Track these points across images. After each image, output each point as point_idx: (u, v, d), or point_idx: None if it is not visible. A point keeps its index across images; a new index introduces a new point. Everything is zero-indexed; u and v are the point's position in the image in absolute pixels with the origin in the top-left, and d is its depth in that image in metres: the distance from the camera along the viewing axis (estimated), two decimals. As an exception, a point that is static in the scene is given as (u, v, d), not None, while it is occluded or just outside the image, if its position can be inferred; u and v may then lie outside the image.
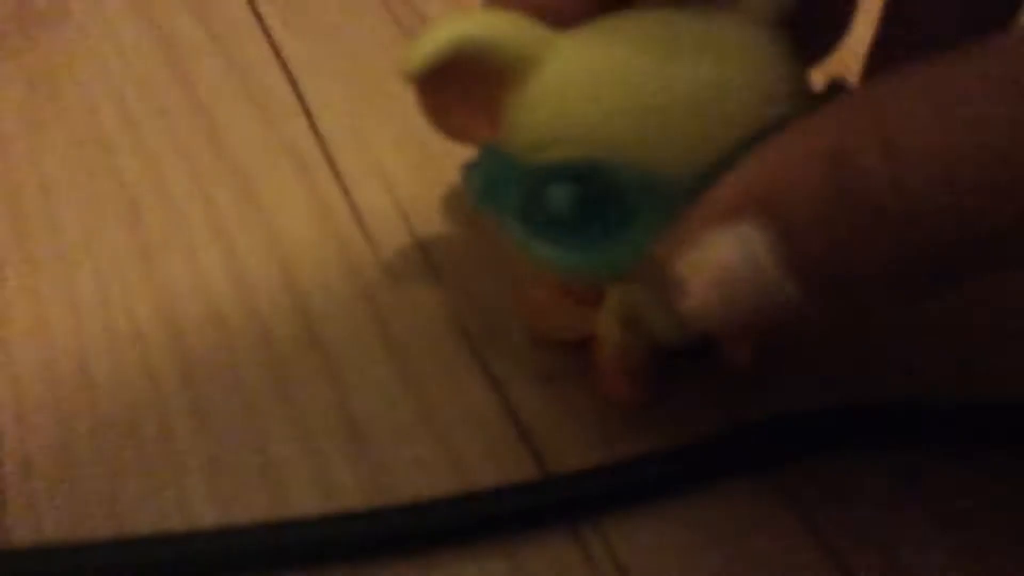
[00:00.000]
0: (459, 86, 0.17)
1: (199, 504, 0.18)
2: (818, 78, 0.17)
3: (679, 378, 0.20)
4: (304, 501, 0.18)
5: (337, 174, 0.24)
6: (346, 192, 0.23)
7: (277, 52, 0.27)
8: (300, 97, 0.26)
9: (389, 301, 0.21)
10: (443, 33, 0.16)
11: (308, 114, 0.25)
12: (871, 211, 0.12)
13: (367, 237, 0.22)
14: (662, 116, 0.15)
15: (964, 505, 0.18)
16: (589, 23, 0.16)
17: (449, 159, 0.24)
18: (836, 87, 0.17)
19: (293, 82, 0.26)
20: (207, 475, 0.18)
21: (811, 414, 0.19)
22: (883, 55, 0.19)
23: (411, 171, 0.24)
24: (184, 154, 0.24)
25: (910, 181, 0.12)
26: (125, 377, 0.20)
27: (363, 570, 0.17)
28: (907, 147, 0.12)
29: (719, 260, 0.13)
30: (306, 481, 0.18)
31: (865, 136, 0.12)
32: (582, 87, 0.15)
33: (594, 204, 0.16)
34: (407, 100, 0.26)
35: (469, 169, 0.18)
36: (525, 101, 0.16)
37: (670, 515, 0.18)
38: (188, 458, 0.18)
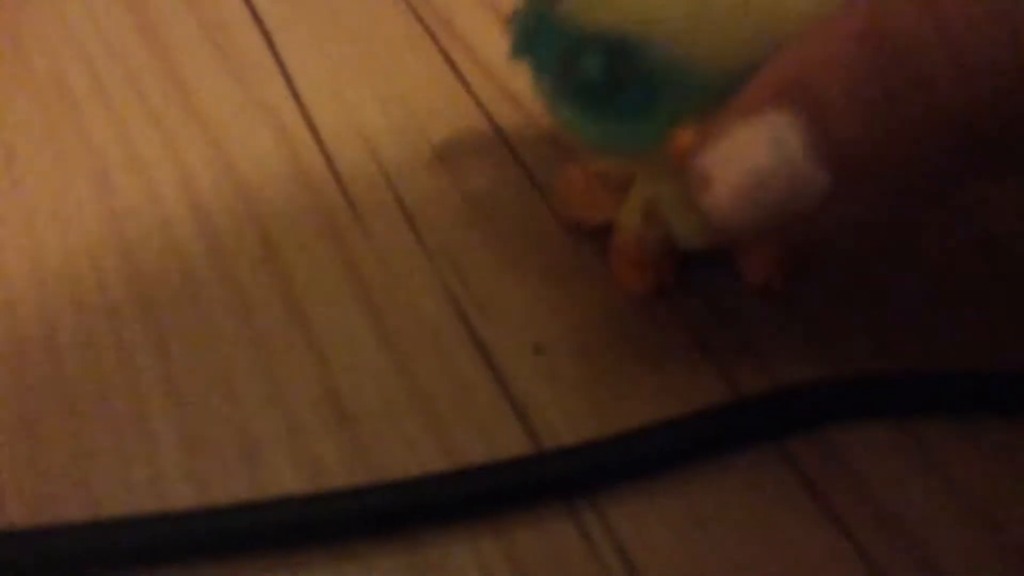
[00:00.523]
0: None
1: (175, 484, 0.17)
2: None
3: (676, 349, 0.19)
4: (287, 481, 0.17)
5: (317, 138, 0.23)
6: (327, 156, 0.22)
7: (252, 10, 0.26)
8: (277, 57, 0.25)
9: (374, 270, 0.20)
10: None
11: (286, 75, 0.24)
12: (913, 74, 0.11)
13: (350, 203, 0.21)
14: (709, 6, 0.15)
15: (967, 472, 0.17)
16: None
17: (432, 119, 0.23)
18: None
19: (270, 42, 0.25)
20: (183, 454, 0.17)
21: (811, 384, 0.18)
22: None
23: (394, 133, 0.23)
24: (155, 118, 0.23)
25: (954, 29, 0.11)
26: (94, 348, 0.19)
27: (350, 551, 0.16)
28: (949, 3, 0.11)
29: (745, 151, 0.13)
30: (289, 460, 0.17)
31: (902, 2, 0.12)
32: None
33: (623, 78, 0.16)
34: (388, 59, 0.25)
35: (514, 17, 0.18)
36: None
37: (669, 490, 0.17)
38: (162, 436, 0.18)
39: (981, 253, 0.21)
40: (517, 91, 0.23)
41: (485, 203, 0.22)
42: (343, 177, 0.22)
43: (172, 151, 0.23)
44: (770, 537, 0.17)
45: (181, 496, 0.17)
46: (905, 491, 0.17)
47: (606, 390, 0.18)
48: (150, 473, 0.17)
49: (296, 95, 0.24)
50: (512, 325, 0.19)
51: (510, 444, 0.18)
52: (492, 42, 0.25)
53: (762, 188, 0.13)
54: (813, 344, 0.19)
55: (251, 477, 0.17)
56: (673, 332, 0.19)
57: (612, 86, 0.16)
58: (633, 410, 0.18)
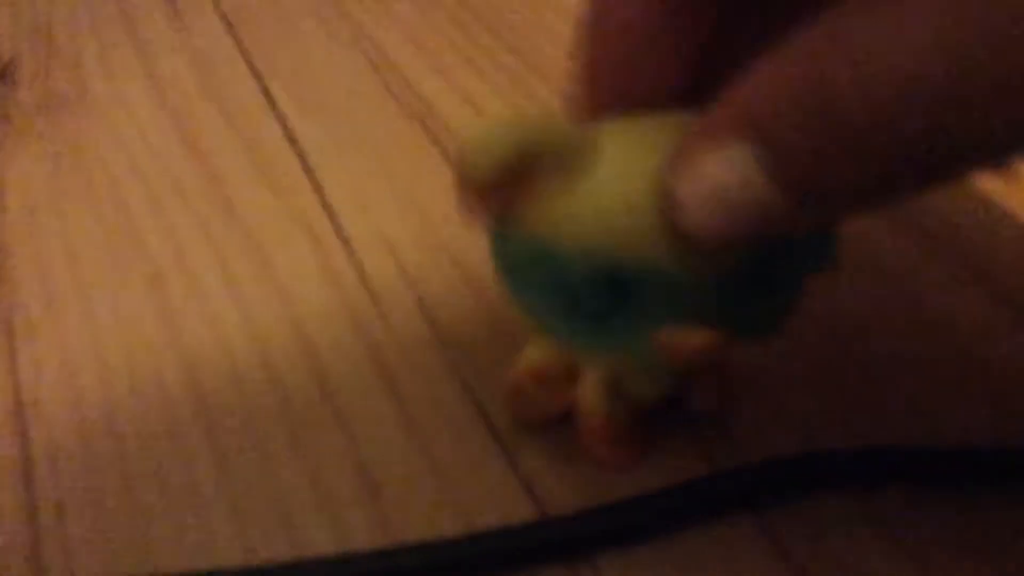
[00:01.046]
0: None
1: (224, 547, 0.19)
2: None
3: (670, 433, 0.21)
4: (320, 544, 0.19)
5: (345, 242, 0.26)
6: (354, 259, 0.25)
7: (287, 130, 0.29)
8: (309, 172, 0.28)
9: (397, 361, 0.23)
10: (505, 138, 0.17)
11: (317, 188, 0.27)
12: (846, 125, 0.13)
13: (374, 300, 0.24)
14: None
15: (934, 544, 0.19)
16: (627, 121, 0.18)
17: (448, 227, 0.26)
18: None
19: (303, 159, 0.28)
20: (231, 521, 0.20)
21: (792, 459, 0.20)
22: None
23: (414, 239, 0.26)
24: (201, 226, 0.26)
25: (877, 96, 0.13)
26: (151, 431, 0.21)
27: (376, 606, 0.18)
28: (873, 70, 0.13)
29: (714, 178, 0.15)
30: (321, 526, 0.20)
31: (836, 61, 0.13)
32: (625, 201, 0.17)
33: (622, 304, 0.17)
34: (408, 174, 0.28)
35: (497, 242, 0.18)
36: (570, 204, 0.17)
37: (661, 554, 0.19)
38: (213, 506, 0.20)
39: (934, 335, 0.23)
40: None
41: (495, 302, 0.24)
42: (369, 278, 0.25)
43: (218, 257, 0.25)
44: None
45: (230, 558, 0.19)
46: (875, 560, 0.19)
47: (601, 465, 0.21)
48: (202, 538, 0.19)
49: (327, 206, 0.27)
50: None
51: (518, 511, 0.20)
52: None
53: (727, 211, 0.15)
54: (781, 424, 0.21)
55: (289, 540, 0.19)
56: (659, 413, 0.22)
57: (612, 311, 0.17)
58: (625, 482, 0.20)
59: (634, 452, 0.21)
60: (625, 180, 0.17)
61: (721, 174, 0.15)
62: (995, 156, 0.14)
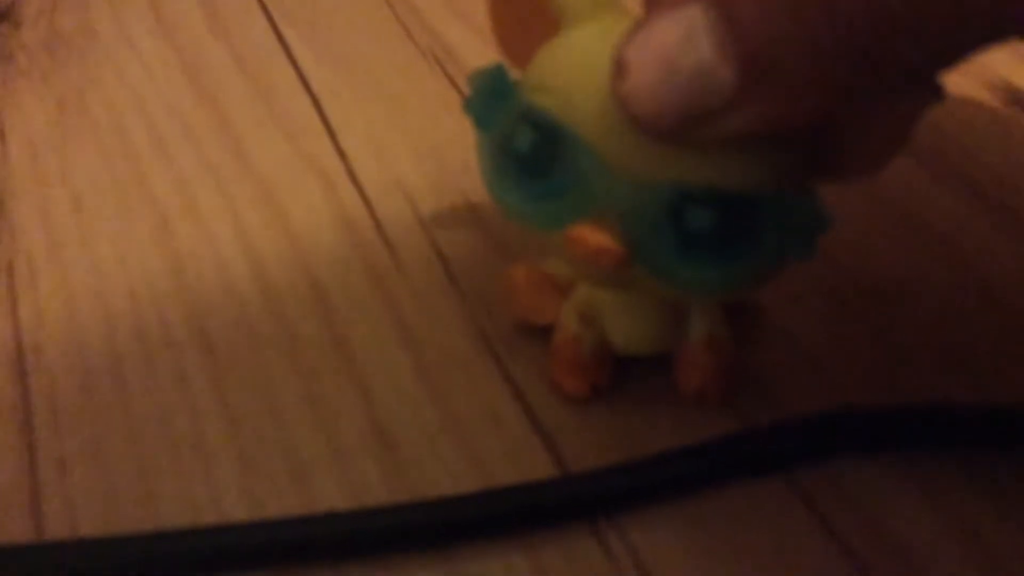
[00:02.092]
0: (522, 14, 0.19)
1: (232, 502, 0.18)
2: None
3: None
4: (333, 499, 0.18)
5: (360, 189, 0.25)
6: (369, 207, 0.24)
7: (300, 74, 0.28)
8: (323, 117, 0.27)
9: (412, 310, 0.22)
10: None
11: (331, 133, 0.26)
12: (807, 6, 0.12)
13: (390, 249, 0.23)
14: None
15: (973, 505, 0.18)
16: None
17: (467, 175, 0.25)
18: None
19: (316, 103, 0.27)
20: (239, 475, 0.19)
21: (822, 416, 0.19)
22: None
23: (431, 186, 0.25)
24: (210, 171, 0.25)
25: None
26: (156, 381, 0.20)
27: (389, 563, 0.18)
28: None
29: (660, 39, 0.14)
30: (335, 481, 0.19)
31: None
32: (585, 62, 0.16)
33: (546, 158, 0.17)
34: (425, 118, 0.27)
35: (474, 74, 0.19)
36: (550, 46, 0.17)
37: (689, 513, 0.18)
38: (220, 459, 0.19)
39: (978, 293, 0.22)
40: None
41: (512, 249, 0.23)
42: (384, 225, 0.24)
43: (227, 202, 0.24)
44: (779, 561, 0.18)
45: (237, 513, 0.18)
46: (909, 522, 0.18)
47: (625, 420, 0.20)
48: (208, 492, 0.19)
49: (341, 151, 0.26)
50: (540, 359, 0.21)
51: (537, 468, 0.19)
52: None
53: (672, 78, 0.14)
54: (817, 382, 0.20)
55: (301, 495, 0.18)
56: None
57: (535, 162, 0.17)
58: (656, 440, 0.19)
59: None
60: (593, 40, 0.17)
61: (668, 36, 0.14)
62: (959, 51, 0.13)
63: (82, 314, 0.22)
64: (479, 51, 0.29)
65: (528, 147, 0.17)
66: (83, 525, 0.18)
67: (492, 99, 0.18)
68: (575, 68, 0.17)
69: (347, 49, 0.29)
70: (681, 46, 0.14)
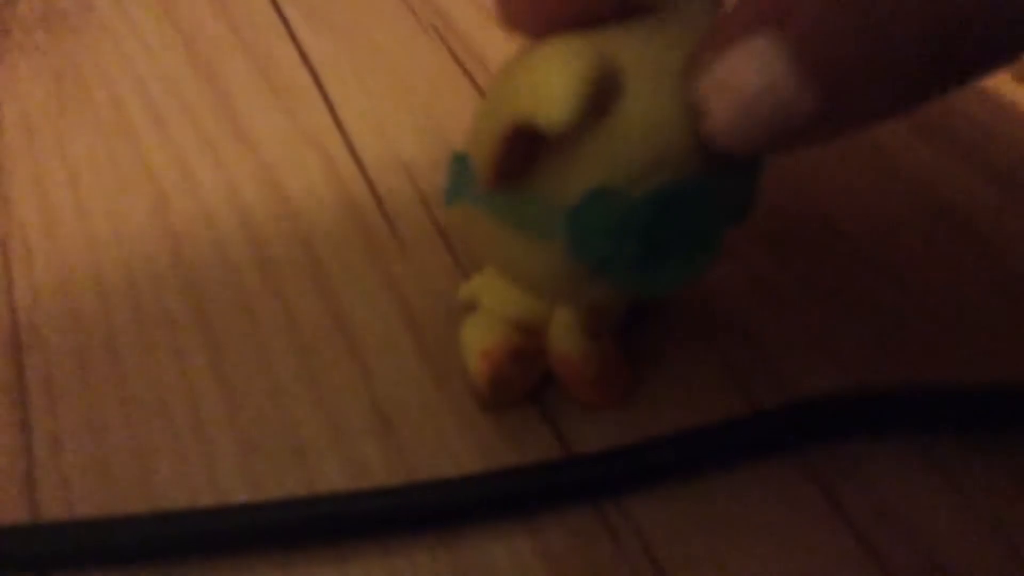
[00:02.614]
0: None
1: (231, 483, 0.18)
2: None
3: (699, 364, 0.20)
4: (334, 480, 0.18)
5: (360, 165, 0.24)
6: (369, 182, 0.24)
7: (299, 48, 0.28)
8: (322, 91, 0.26)
9: (412, 287, 0.21)
10: (576, 82, 0.14)
11: (330, 107, 0.26)
12: (882, 18, 0.12)
13: (390, 225, 0.23)
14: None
15: (981, 486, 0.18)
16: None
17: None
18: None
19: (315, 76, 0.27)
20: (238, 455, 0.18)
21: (829, 397, 0.19)
22: None
23: (432, 161, 0.24)
24: (209, 145, 0.25)
25: None
26: (154, 360, 0.20)
27: (391, 546, 0.17)
28: None
29: (738, 78, 0.13)
30: (335, 461, 0.18)
31: None
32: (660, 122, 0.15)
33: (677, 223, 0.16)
34: (426, 92, 0.26)
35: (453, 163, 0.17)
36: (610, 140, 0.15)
37: (695, 493, 0.18)
38: (218, 439, 0.19)
39: (993, 271, 0.22)
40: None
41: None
42: (384, 201, 0.23)
43: (225, 176, 0.24)
44: (788, 541, 0.17)
45: (236, 493, 0.18)
46: (921, 499, 0.18)
47: (630, 401, 0.19)
48: (206, 472, 0.18)
49: (340, 126, 0.25)
50: (543, 339, 0.20)
51: (540, 448, 0.19)
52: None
53: (754, 112, 0.13)
54: (828, 362, 0.20)
55: (301, 476, 0.18)
56: (693, 347, 0.20)
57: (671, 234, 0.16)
58: (660, 421, 0.19)
59: (619, 388, 0.19)
60: (655, 101, 0.15)
61: (745, 72, 0.13)
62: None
63: (78, 291, 0.21)
64: (481, 24, 0.28)
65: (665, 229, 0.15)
66: (79, 505, 0.18)
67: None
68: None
69: (347, 22, 0.29)
70: (758, 84, 0.13)
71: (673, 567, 0.17)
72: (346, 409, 0.19)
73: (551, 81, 0.14)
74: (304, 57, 0.27)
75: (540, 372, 0.19)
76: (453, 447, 0.19)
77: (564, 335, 0.18)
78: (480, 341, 0.18)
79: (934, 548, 0.17)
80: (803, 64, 0.13)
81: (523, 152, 0.15)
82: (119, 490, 0.18)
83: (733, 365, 0.20)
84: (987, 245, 0.22)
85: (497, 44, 0.27)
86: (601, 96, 0.14)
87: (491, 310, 0.19)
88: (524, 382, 0.19)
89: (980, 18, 0.12)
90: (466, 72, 0.27)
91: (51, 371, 0.20)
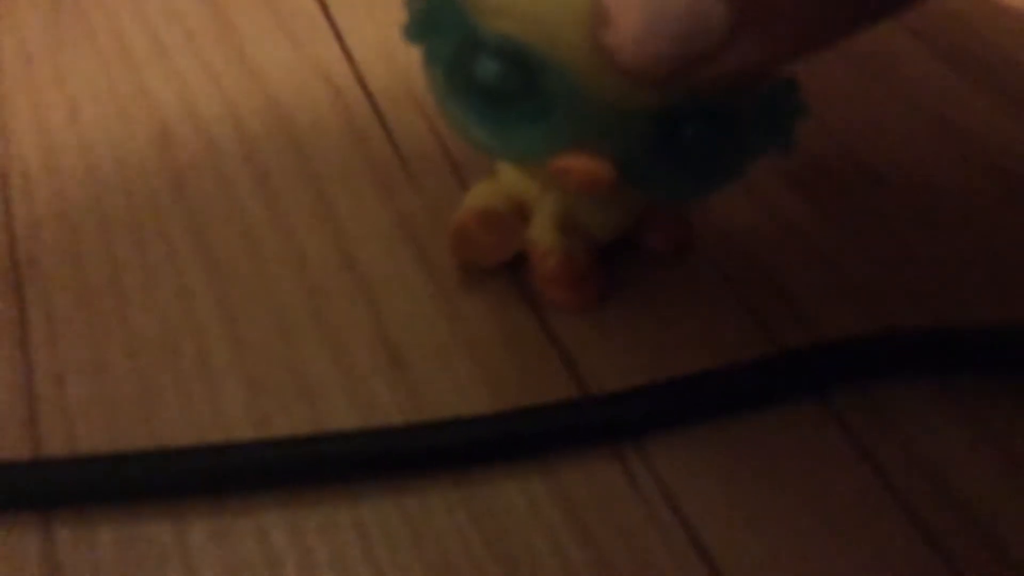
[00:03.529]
0: None
1: (238, 421, 0.18)
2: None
3: (719, 304, 0.19)
4: (343, 419, 0.18)
5: (369, 96, 0.23)
6: (379, 114, 0.23)
7: (306, -25, 0.27)
8: (330, 20, 0.25)
9: (424, 222, 0.21)
10: None
11: (339, 37, 0.25)
12: None
13: (401, 158, 0.22)
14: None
15: (1008, 427, 0.18)
16: None
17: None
18: None
19: (322, 4, 0.26)
20: (245, 393, 0.18)
21: (854, 339, 0.18)
22: None
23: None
24: (213, 76, 0.24)
25: None
26: (159, 295, 0.19)
27: (403, 485, 0.17)
28: None
29: None
30: (344, 399, 0.18)
31: None
32: None
33: (518, 89, 0.15)
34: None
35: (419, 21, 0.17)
36: None
37: (713, 436, 0.18)
38: (224, 377, 0.18)
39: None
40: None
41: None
42: (394, 133, 0.22)
43: (230, 108, 0.23)
44: (810, 484, 0.17)
45: (243, 432, 0.17)
46: (947, 442, 0.17)
47: (650, 340, 0.19)
48: (213, 409, 0.18)
49: (349, 56, 0.24)
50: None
51: (556, 388, 0.18)
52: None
53: (660, 22, 0.13)
54: (854, 302, 0.19)
55: (309, 415, 0.18)
56: (715, 289, 0.20)
57: (505, 94, 0.15)
58: (679, 363, 0.18)
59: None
60: None
61: None
62: None
63: (80, 225, 0.21)
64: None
65: (495, 78, 0.15)
66: (82, 442, 0.17)
67: (439, 24, 0.16)
68: None
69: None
70: None
71: (693, 512, 0.17)
72: (355, 347, 0.19)
73: None
74: (311, -15, 0.26)
75: (517, 247, 0.19)
76: (466, 387, 0.18)
77: (539, 222, 0.19)
78: (469, 199, 0.19)
79: (960, 490, 0.17)
80: None
81: None
82: (123, 427, 0.18)
83: (759, 311, 0.19)
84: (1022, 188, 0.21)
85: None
86: None
87: (493, 177, 0.20)
88: (494, 249, 0.19)
89: None
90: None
91: (52, 307, 0.19)
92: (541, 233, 0.19)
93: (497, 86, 0.15)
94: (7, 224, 0.21)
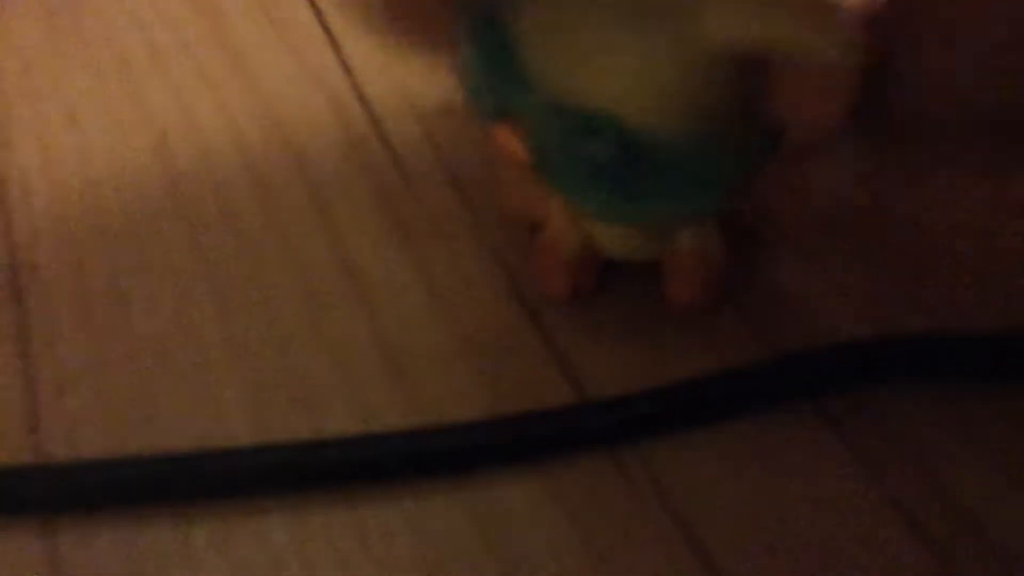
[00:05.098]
0: None
1: (238, 427, 0.18)
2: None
3: (723, 314, 0.20)
4: (342, 424, 0.18)
5: (367, 106, 0.24)
6: (376, 123, 0.23)
7: (302, -15, 0.27)
8: (327, 30, 0.26)
9: (421, 229, 0.21)
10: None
11: (336, 47, 0.25)
12: None
13: (398, 167, 0.22)
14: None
15: (1001, 428, 0.18)
16: None
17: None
18: None
19: (320, 16, 0.26)
20: (244, 399, 0.18)
21: (847, 344, 0.19)
22: None
23: (440, 101, 0.24)
24: (211, 86, 0.24)
25: None
26: (159, 304, 0.20)
27: (402, 491, 0.17)
28: None
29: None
30: (343, 405, 0.18)
31: None
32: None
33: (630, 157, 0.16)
34: (434, 29, 0.26)
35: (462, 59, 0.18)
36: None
37: (708, 439, 0.18)
38: (223, 383, 0.18)
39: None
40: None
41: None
42: (392, 142, 0.23)
43: (227, 117, 0.23)
44: (807, 488, 0.17)
45: (243, 437, 0.18)
46: (940, 445, 0.18)
47: (647, 344, 0.19)
48: (213, 416, 0.18)
49: (346, 66, 0.25)
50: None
51: (554, 393, 0.18)
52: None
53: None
54: (848, 309, 0.20)
55: (308, 420, 0.18)
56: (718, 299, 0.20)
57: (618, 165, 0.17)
58: (677, 366, 0.19)
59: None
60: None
61: None
62: None
63: (79, 234, 0.21)
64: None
65: (609, 159, 0.17)
66: (83, 447, 0.17)
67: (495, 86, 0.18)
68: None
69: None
70: None
71: (688, 514, 0.17)
72: (353, 354, 0.19)
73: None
74: (307, -5, 0.27)
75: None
76: (464, 391, 0.18)
77: (553, 213, 0.19)
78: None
79: (956, 494, 0.17)
80: None
81: None
82: (123, 433, 0.18)
83: (755, 315, 0.19)
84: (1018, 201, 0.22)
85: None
86: None
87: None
88: (528, 205, 0.20)
89: None
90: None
91: (53, 313, 0.19)
92: (553, 210, 0.19)
93: (612, 159, 0.16)
94: (7, 231, 0.21)
